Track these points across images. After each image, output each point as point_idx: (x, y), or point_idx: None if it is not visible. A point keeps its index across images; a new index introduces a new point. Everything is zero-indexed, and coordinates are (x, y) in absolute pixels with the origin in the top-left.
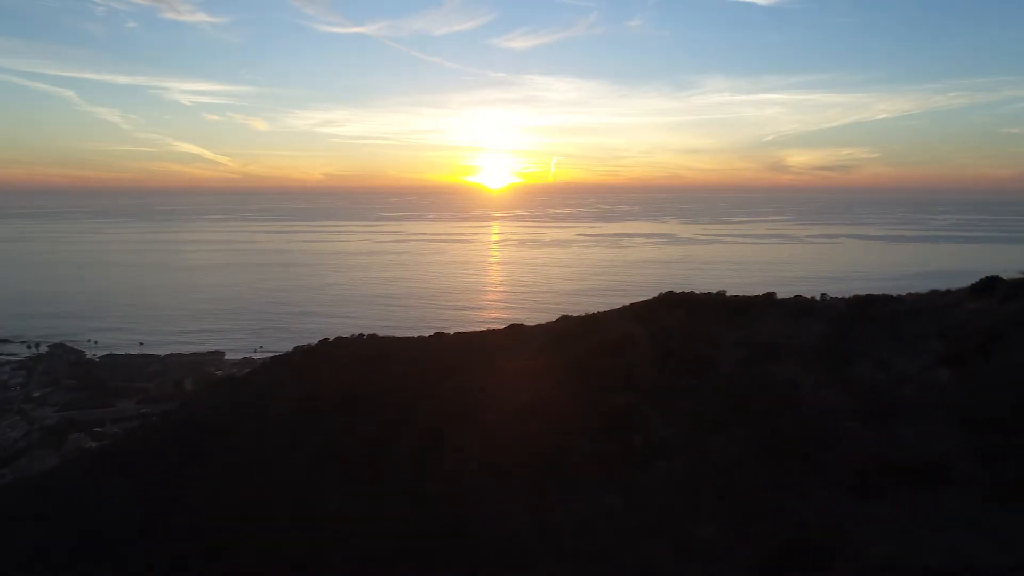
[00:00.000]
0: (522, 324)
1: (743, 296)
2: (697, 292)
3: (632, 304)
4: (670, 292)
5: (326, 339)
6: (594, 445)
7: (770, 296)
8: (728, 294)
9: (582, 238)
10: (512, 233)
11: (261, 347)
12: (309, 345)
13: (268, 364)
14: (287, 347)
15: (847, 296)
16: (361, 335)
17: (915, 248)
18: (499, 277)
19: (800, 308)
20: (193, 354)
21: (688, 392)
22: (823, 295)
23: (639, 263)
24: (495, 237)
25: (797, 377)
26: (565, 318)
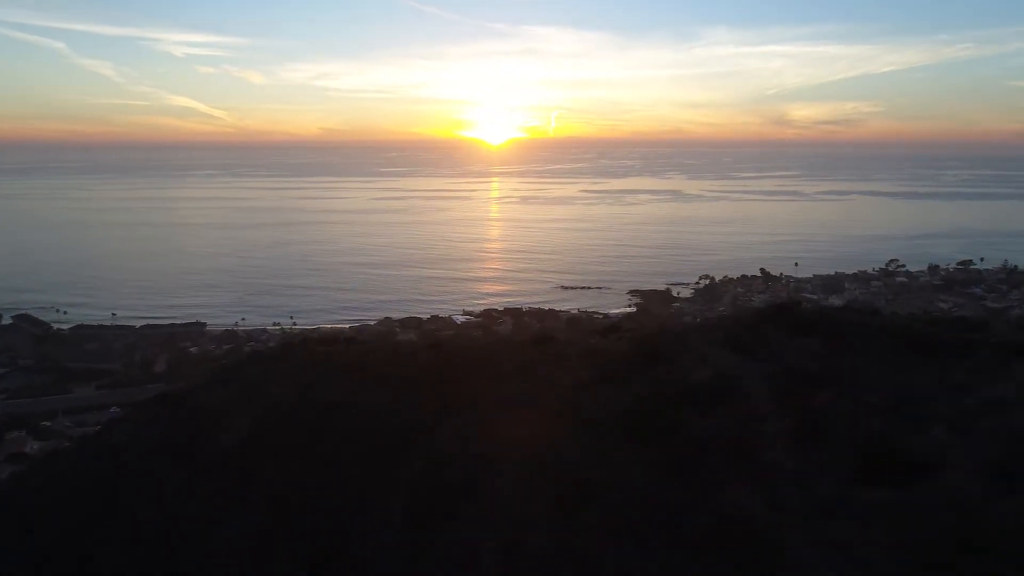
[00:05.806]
0: (552, 336)
1: (934, 325)
2: (833, 309)
3: (720, 319)
4: (784, 305)
5: (291, 343)
6: None
7: (984, 327)
8: (879, 312)
9: (585, 195)
10: (513, 189)
11: (244, 319)
12: (268, 348)
13: (213, 378)
14: (270, 320)
15: None
16: (337, 338)
17: (931, 206)
18: (501, 240)
19: None
20: (171, 326)
21: (886, 516)
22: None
23: (647, 223)
24: (495, 194)
25: None
26: (616, 333)
